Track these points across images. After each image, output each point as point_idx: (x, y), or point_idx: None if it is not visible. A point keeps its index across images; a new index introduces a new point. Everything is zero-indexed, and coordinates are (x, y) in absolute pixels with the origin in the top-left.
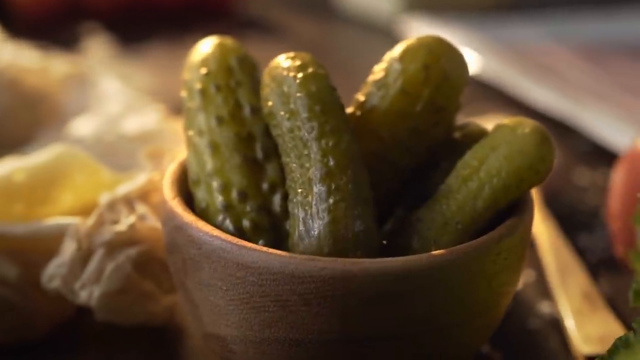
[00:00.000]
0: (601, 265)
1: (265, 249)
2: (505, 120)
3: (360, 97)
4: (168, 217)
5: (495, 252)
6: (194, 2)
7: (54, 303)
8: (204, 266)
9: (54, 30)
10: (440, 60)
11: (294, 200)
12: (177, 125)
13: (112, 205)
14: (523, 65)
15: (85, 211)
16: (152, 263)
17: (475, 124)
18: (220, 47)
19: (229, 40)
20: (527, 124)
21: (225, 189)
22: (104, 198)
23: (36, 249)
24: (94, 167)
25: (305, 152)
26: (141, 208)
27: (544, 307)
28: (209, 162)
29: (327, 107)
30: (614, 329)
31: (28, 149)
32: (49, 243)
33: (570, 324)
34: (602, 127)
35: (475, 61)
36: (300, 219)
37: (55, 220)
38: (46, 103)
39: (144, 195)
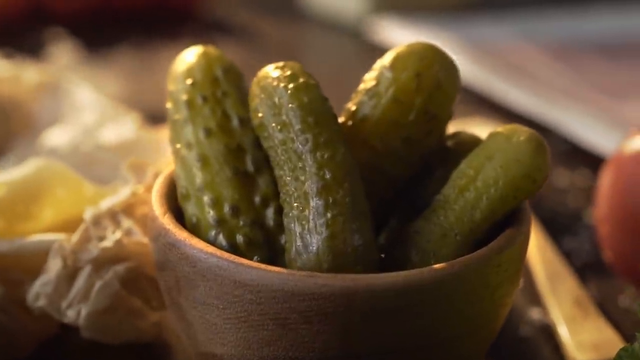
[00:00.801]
0: (587, 269)
1: (263, 266)
2: (499, 128)
3: (352, 107)
4: (159, 234)
5: (497, 263)
6: (158, 5)
7: (38, 321)
8: (199, 284)
9: (16, 36)
10: (432, 68)
11: (290, 214)
12: (155, 135)
13: (97, 221)
14: (494, 65)
15: (67, 226)
16: (140, 279)
17: (467, 132)
18: (205, 56)
19: (212, 49)
20: (522, 132)
21: (216, 204)
22: (88, 213)
23: (19, 267)
24: (76, 181)
25: (300, 164)
26: (126, 222)
27: (535, 314)
28: (198, 175)
29: (320, 118)
30: (608, 336)
31: (2, 160)
32: (32, 260)
33: (563, 331)
34: (578, 127)
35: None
36: (297, 234)
37: (39, 237)
38: (19, 112)
39: (128, 208)
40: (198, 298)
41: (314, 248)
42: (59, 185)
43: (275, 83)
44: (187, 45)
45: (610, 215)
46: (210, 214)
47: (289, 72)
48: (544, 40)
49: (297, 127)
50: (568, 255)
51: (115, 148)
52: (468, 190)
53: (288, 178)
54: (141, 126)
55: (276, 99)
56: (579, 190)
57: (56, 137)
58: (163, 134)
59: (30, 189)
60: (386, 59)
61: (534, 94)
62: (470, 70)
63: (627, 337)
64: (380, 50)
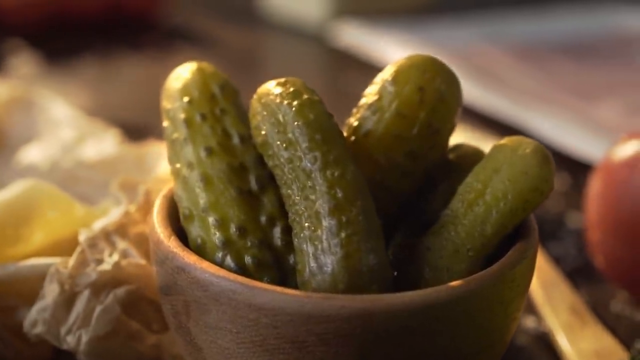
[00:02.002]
0: (576, 275)
1: (279, 288)
2: (504, 140)
3: (354, 122)
4: (165, 258)
5: (510, 279)
6: (117, 14)
7: (32, 347)
8: (210, 309)
9: None
10: (434, 81)
11: (301, 235)
12: (137, 151)
13: (92, 243)
14: (462, 69)
15: (57, 248)
16: (140, 302)
17: (468, 145)
18: (200, 73)
19: (207, 65)
20: (527, 144)
21: (222, 225)
22: (83, 236)
23: (12, 292)
24: (66, 201)
25: (309, 183)
26: (121, 244)
27: (530, 323)
28: (202, 196)
29: (327, 135)
30: (608, 344)
31: None
32: (25, 285)
33: (561, 339)
34: (552, 129)
35: None
36: (310, 254)
37: (32, 262)
38: None
39: (121, 229)
40: (209, 322)
41: (329, 269)
42: (49, 206)
43: (278, 100)
44: (150, 54)
45: (601, 222)
46: (217, 235)
47: (292, 89)
48: (507, 42)
49: (304, 145)
50: (555, 262)
51: (96, 165)
52: (477, 204)
53: (297, 197)
54: (122, 142)
55: (280, 117)
56: (559, 194)
57: (33, 154)
58: (146, 149)
59: (19, 211)
60: (387, 73)
61: (504, 97)
62: None
63: (623, 342)
64: (344, 55)
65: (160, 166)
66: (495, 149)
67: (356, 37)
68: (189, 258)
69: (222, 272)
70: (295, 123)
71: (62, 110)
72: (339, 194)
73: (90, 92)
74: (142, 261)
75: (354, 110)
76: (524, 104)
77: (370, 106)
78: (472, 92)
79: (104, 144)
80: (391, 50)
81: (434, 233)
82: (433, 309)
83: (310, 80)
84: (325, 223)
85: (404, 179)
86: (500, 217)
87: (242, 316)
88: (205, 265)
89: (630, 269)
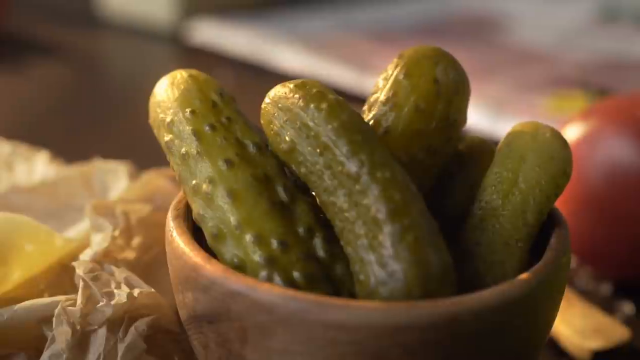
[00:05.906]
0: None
1: (354, 302)
2: (517, 126)
3: (370, 120)
4: (212, 284)
5: (564, 266)
6: None
7: None
8: (276, 332)
9: None
10: (448, 72)
11: (358, 243)
12: (80, 170)
13: (95, 276)
14: (331, 58)
15: (34, 284)
16: (157, 334)
17: (472, 135)
18: (195, 81)
19: (197, 72)
20: (545, 129)
21: (262, 241)
22: (80, 269)
23: (1, 341)
24: (45, 233)
25: (358, 188)
26: (119, 272)
27: None
28: (232, 212)
29: (367, 136)
30: (603, 320)
31: None
32: (16, 331)
33: (556, 322)
34: None
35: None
36: (374, 262)
37: (25, 305)
38: None
39: (109, 256)
40: (274, 347)
41: (401, 276)
42: (26, 240)
43: (301, 103)
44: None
45: (563, 200)
46: (258, 253)
47: (314, 90)
48: (361, 28)
49: (345, 148)
50: None
51: (34, 189)
52: (513, 194)
53: (344, 204)
54: (52, 163)
55: (307, 121)
56: None
57: None
58: (90, 168)
59: None
60: (397, 67)
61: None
62: (309, 64)
63: None
64: (200, 52)
65: (118, 185)
66: (512, 136)
67: (211, 34)
68: (245, 281)
69: (290, 292)
70: (329, 126)
71: None
72: (397, 197)
73: None
74: (152, 289)
75: (365, 107)
76: None
77: (385, 102)
78: (348, 78)
79: (37, 167)
80: (248, 44)
81: (476, 227)
82: (512, 305)
83: None
84: (387, 229)
85: (424, 175)
86: (537, 204)
87: (316, 337)
88: (267, 286)
89: (596, 244)
